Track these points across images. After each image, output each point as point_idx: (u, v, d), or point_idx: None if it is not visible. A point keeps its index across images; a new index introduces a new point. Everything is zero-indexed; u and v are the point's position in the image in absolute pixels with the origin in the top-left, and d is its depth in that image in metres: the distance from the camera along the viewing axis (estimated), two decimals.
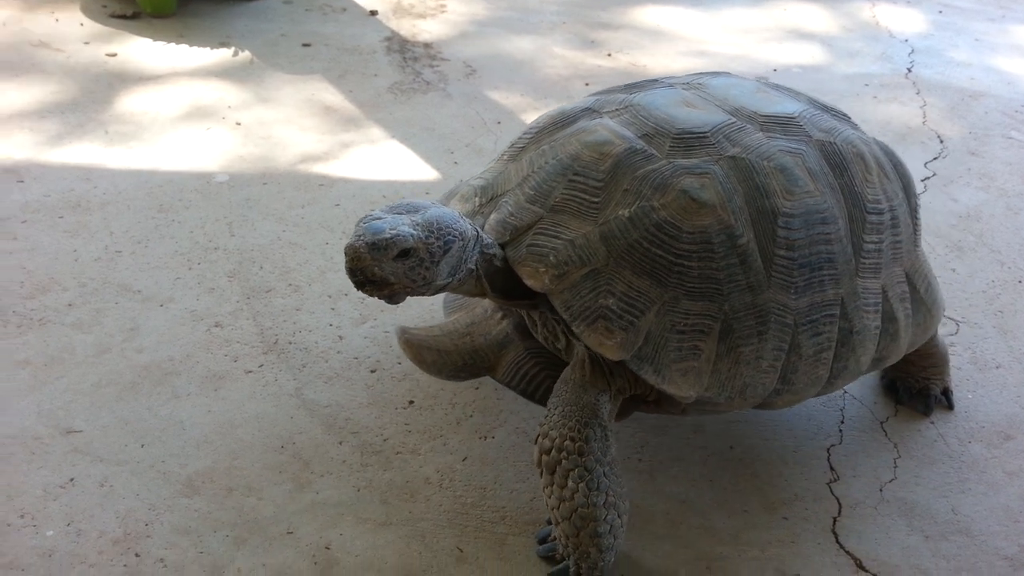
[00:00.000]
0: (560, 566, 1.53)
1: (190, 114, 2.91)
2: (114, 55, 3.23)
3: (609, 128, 1.57)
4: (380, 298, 1.38)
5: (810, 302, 1.53)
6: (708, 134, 1.54)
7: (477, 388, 1.94)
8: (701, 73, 1.83)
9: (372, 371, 1.96)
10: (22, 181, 2.51)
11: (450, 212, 1.42)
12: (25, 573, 1.50)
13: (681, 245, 1.46)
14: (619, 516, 1.49)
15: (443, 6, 3.94)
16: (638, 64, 3.52)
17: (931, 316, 1.73)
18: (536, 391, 1.68)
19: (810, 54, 3.70)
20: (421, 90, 3.20)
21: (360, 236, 1.33)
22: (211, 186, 2.54)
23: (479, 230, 1.48)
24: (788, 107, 1.66)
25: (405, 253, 1.33)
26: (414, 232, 1.34)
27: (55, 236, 2.29)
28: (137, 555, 1.55)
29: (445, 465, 1.77)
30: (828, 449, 1.85)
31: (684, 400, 1.50)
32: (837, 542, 1.66)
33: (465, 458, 1.79)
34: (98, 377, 1.88)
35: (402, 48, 3.52)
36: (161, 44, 3.33)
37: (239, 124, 2.88)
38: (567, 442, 1.45)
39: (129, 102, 2.94)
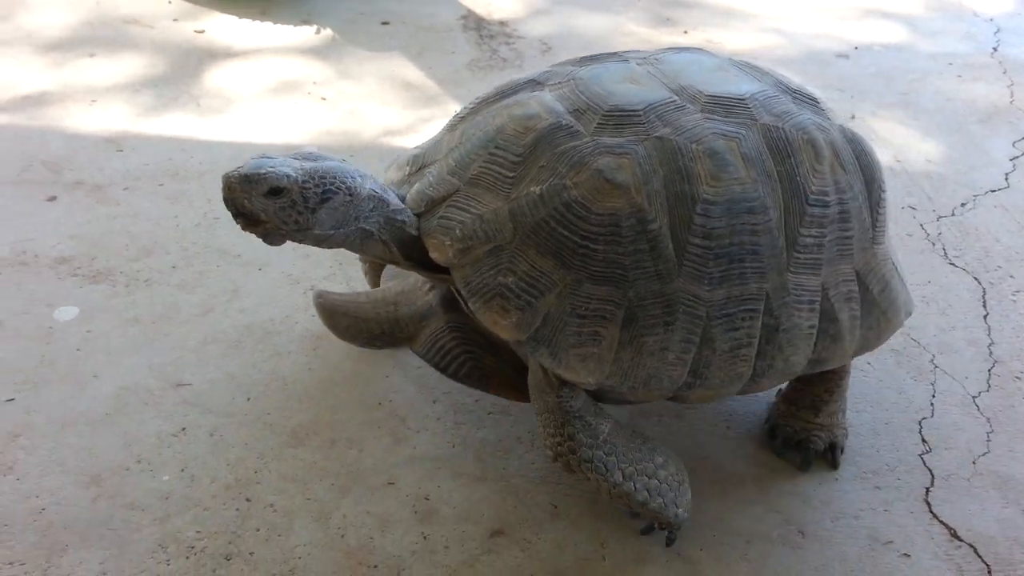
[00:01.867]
0: (644, 525, 1.59)
1: (277, 89, 3.00)
2: (202, 32, 3.33)
3: (540, 102, 1.51)
4: (256, 235, 1.38)
5: (727, 295, 1.43)
6: (640, 112, 1.46)
7: None
8: (670, 48, 1.74)
9: None
10: (121, 151, 2.61)
11: (347, 168, 1.41)
12: (145, 513, 1.59)
13: (589, 227, 1.39)
14: (649, 477, 1.48)
15: None
16: (714, 41, 3.50)
17: (887, 321, 1.60)
18: (450, 365, 1.65)
19: (892, 33, 3.63)
20: (498, 67, 3.24)
21: (239, 168, 1.34)
22: None
23: (388, 196, 1.45)
24: (742, 88, 1.54)
25: (276, 192, 1.33)
26: (291, 174, 1.34)
27: (156, 202, 2.39)
28: (248, 500, 1.62)
29: (535, 427, 1.80)
30: (920, 422, 1.84)
31: (585, 387, 1.45)
32: (931, 512, 1.66)
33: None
34: (203, 335, 1.97)
35: (478, 26, 3.56)
36: (246, 22, 3.42)
37: (324, 99, 2.95)
38: (560, 448, 1.47)
39: (218, 77, 3.04)
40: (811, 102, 1.61)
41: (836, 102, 3.05)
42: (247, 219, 1.36)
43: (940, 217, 2.49)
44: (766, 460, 1.75)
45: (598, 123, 1.46)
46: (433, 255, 1.47)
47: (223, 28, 3.37)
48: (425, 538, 1.58)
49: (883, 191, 1.62)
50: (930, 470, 1.74)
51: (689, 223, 1.41)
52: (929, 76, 3.27)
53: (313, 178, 1.36)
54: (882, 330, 1.61)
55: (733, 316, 1.44)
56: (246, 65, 3.13)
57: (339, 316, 1.75)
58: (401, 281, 1.79)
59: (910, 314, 1.68)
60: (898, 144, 2.84)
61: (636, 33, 3.56)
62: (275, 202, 1.34)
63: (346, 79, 3.09)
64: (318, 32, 3.40)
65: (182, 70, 3.06)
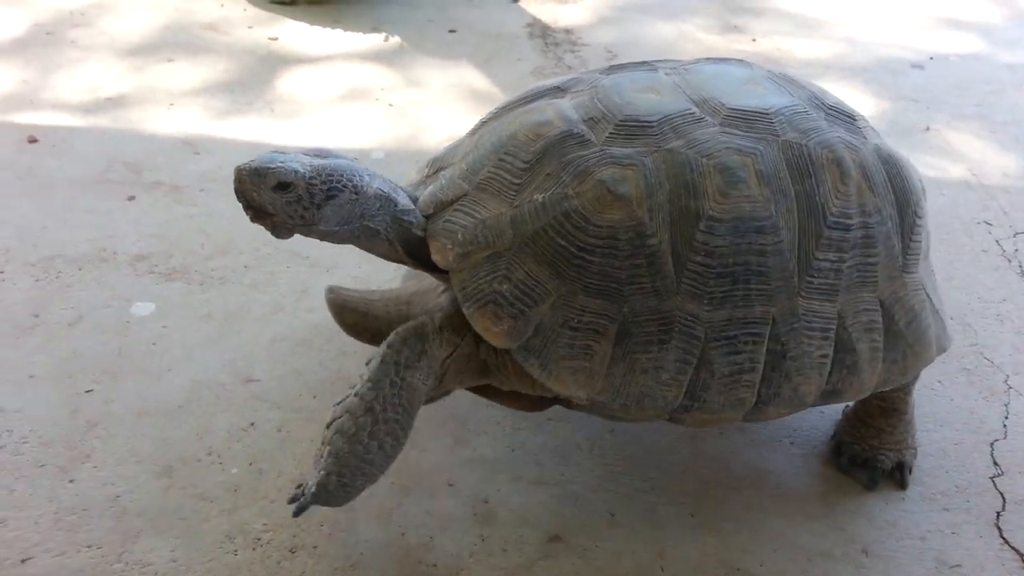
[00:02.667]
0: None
1: (346, 95, 3.07)
2: (275, 39, 3.43)
3: (556, 109, 1.49)
4: (264, 227, 1.40)
5: (728, 316, 1.38)
6: (655, 123, 1.42)
7: None
8: (707, 59, 1.68)
9: None
10: (198, 153, 2.71)
11: (355, 167, 1.42)
12: (214, 504, 1.64)
13: (587, 238, 1.37)
14: (370, 438, 1.39)
15: None
16: (783, 50, 3.45)
17: (915, 355, 1.50)
18: None
19: (968, 43, 3.53)
20: (563, 74, 3.25)
21: (251, 162, 1.37)
22: (369, 162, 2.68)
23: (397, 195, 1.45)
24: (769, 101, 1.48)
25: (284, 186, 1.35)
26: (299, 170, 1.36)
27: (231, 204, 2.41)
28: None
29: (594, 434, 1.81)
30: (991, 443, 1.79)
31: (577, 401, 1.42)
32: (1001, 536, 1.61)
33: (612, 430, 1.82)
34: (273, 333, 2.03)
35: (544, 34, 3.58)
36: (318, 29, 3.51)
37: (391, 105, 3.00)
38: (393, 336, 1.43)
39: (291, 82, 3.12)
40: (846, 119, 1.54)
41: (910, 113, 2.98)
42: (256, 211, 1.38)
43: (1017, 233, 2.41)
44: (832, 477, 1.72)
45: (610, 133, 1.43)
46: (434, 257, 1.46)
47: (296, 35, 3.46)
48: (483, 540, 1.60)
49: (919, 216, 1.52)
50: (1001, 493, 1.69)
51: (691, 240, 1.37)
52: (1007, 87, 3.17)
53: (320, 175, 1.37)
54: (908, 365, 1.50)
55: (735, 339, 1.38)
56: (317, 71, 3.21)
57: (347, 312, 1.73)
58: (417, 282, 1.79)
59: (944, 349, 1.58)
60: (974, 158, 2.76)
61: (703, 41, 3.53)
62: (282, 196, 1.36)
63: (414, 86, 3.14)
64: (387, 40, 3.47)
65: (256, 75, 3.15)
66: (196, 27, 3.50)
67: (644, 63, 1.64)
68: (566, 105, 1.50)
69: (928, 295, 1.55)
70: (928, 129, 2.88)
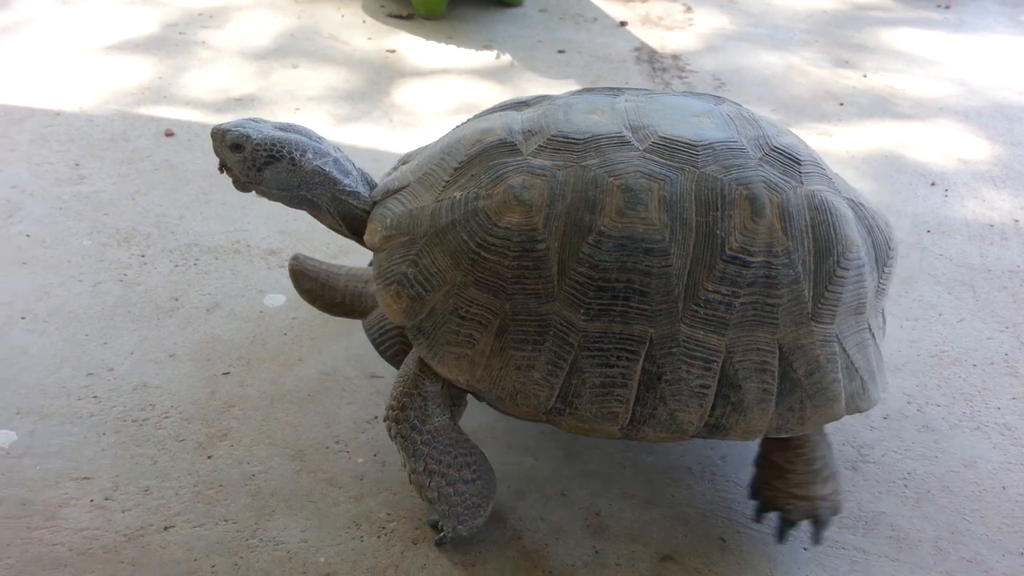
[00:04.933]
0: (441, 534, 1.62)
1: (458, 108, 3.17)
2: (393, 51, 3.56)
3: (504, 120, 1.58)
4: (230, 179, 1.61)
5: (604, 329, 1.42)
6: (581, 141, 1.49)
7: None
8: (683, 92, 1.71)
9: None
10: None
11: (303, 143, 1.58)
12: (342, 491, 1.72)
13: (486, 236, 1.45)
14: (448, 484, 1.52)
15: (691, 19, 4.02)
16: (895, 88, 3.43)
17: (814, 407, 1.46)
18: (383, 343, 1.77)
19: None
20: None
21: (225, 123, 1.58)
22: None
23: (340, 177, 1.59)
24: (705, 135, 1.50)
25: (236, 147, 1.55)
26: (251, 136, 1.55)
27: None
28: None
29: (706, 459, 1.84)
30: None
31: (457, 385, 1.49)
32: None
33: (724, 456, 1.85)
34: None
35: (651, 58, 3.63)
36: (432, 44, 3.64)
37: None
38: (392, 412, 1.53)
39: (407, 94, 3.24)
40: (788, 162, 1.52)
41: None
42: (221, 164, 1.60)
43: None
44: (945, 522, 1.71)
45: (539, 145, 1.51)
46: (365, 238, 1.60)
47: (412, 49, 3.59)
48: (596, 552, 1.64)
49: (842, 268, 1.48)
50: None
51: (578, 251, 1.42)
52: None
53: (265, 143, 1.55)
54: (807, 416, 1.46)
55: (608, 352, 1.42)
56: (431, 84, 3.32)
57: (305, 279, 1.83)
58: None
59: (859, 409, 1.51)
60: None
61: (811, 74, 3.53)
62: (235, 155, 1.56)
63: None
64: (498, 57, 3.57)
65: (375, 85, 3.28)
66: (318, 36, 3.66)
67: (611, 88, 1.69)
68: (516, 118, 1.59)
69: (845, 350, 1.50)
70: None
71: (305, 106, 3.11)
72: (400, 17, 3.86)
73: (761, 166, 1.49)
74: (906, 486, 1.80)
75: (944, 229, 2.62)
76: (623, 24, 3.95)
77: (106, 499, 1.68)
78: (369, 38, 3.66)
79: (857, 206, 1.58)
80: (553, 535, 1.66)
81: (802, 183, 1.50)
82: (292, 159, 1.56)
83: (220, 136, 1.57)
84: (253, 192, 1.63)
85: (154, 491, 1.70)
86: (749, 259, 1.42)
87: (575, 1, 4.19)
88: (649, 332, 1.42)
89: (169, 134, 2.88)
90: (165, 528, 1.63)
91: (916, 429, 1.93)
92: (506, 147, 1.52)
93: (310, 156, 1.58)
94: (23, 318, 2.10)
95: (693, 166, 1.46)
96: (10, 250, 2.32)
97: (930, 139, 3.08)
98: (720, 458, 1.84)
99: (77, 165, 2.70)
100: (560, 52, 3.65)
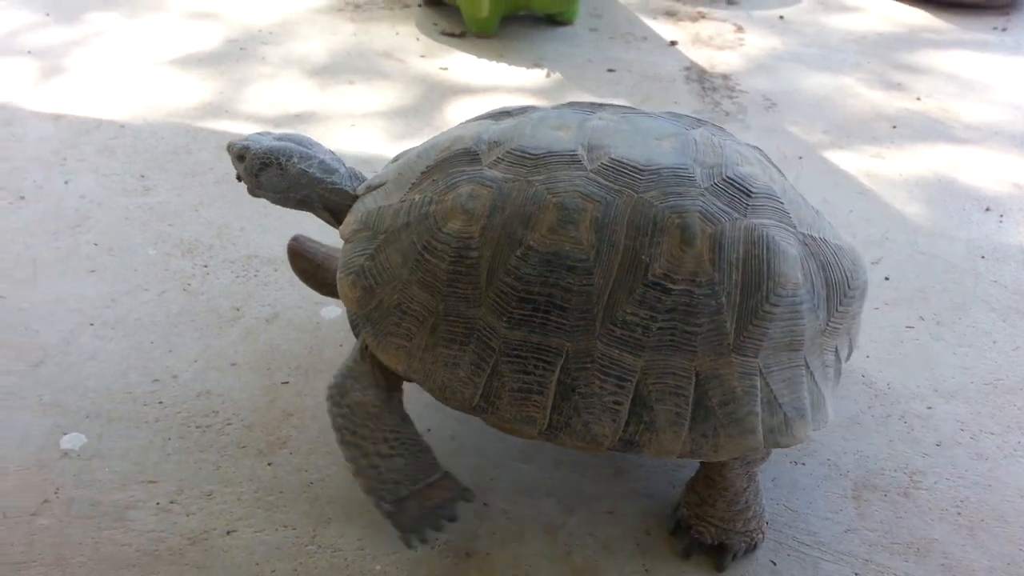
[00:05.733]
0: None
1: None
2: (445, 69, 3.63)
3: (476, 130, 1.64)
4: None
5: (523, 338, 1.48)
6: (533, 157, 1.54)
7: None
8: (665, 112, 1.71)
9: None
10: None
11: (292, 150, 1.75)
12: None
13: (431, 240, 1.53)
14: (364, 457, 1.62)
15: (741, 39, 4.03)
16: (949, 111, 3.40)
17: (728, 436, 1.46)
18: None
19: None
20: (720, 120, 3.30)
21: (236, 139, 1.79)
22: None
23: (324, 176, 1.76)
24: (655, 160, 1.51)
25: (240, 157, 1.77)
26: (251, 147, 1.75)
27: None
28: (485, 504, 1.77)
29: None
30: None
31: (398, 374, 1.57)
32: None
33: (774, 479, 1.85)
34: None
35: (701, 78, 3.65)
36: (484, 61, 3.70)
37: None
38: (333, 381, 1.65)
39: (459, 110, 3.30)
40: (738, 193, 1.51)
41: None
42: (237, 175, 1.81)
43: None
44: (1001, 552, 1.70)
45: (498, 157, 1.56)
46: (339, 229, 1.72)
47: (464, 66, 3.65)
48: (646, 570, 1.66)
49: (771, 304, 1.47)
50: None
51: (506, 262, 1.48)
52: None
53: (259, 152, 1.75)
54: (720, 444, 1.47)
55: (526, 360, 1.48)
56: (483, 101, 3.38)
57: (299, 259, 1.92)
58: None
59: (779, 445, 1.49)
60: None
61: (863, 96, 3.52)
62: (241, 164, 1.77)
63: None
64: (548, 75, 3.61)
65: (428, 102, 3.35)
66: (372, 53, 3.75)
67: (594, 104, 1.73)
68: (491, 128, 1.64)
69: (768, 384, 1.49)
70: None
71: (360, 122, 3.18)
72: (453, 35, 3.93)
73: (703, 195, 1.49)
74: (959, 514, 1.78)
75: (999, 255, 2.59)
76: (673, 43, 3.97)
77: (171, 502, 1.74)
78: (422, 56, 3.73)
79: (819, 242, 1.57)
80: (603, 551, 1.69)
81: (745, 216, 1.49)
82: (279, 164, 1.75)
83: (230, 148, 1.79)
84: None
85: (217, 496, 1.76)
86: (671, 286, 1.45)
87: (625, 20, 4.23)
88: (566, 346, 1.47)
89: None
90: (228, 532, 1.69)
91: (969, 457, 1.92)
92: (469, 156, 1.59)
93: (295, 160, 1.76)
94: (91, 324, 2.19)
95: (633, 190, 1.49)
96: (79, 258, 2.42)
97: (984, 163, 3.05)
98: (771, 480, 1.85)
99: (142, 177, 2.80)
100: (610, 71, 3.68)
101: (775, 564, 1.68)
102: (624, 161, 1.52)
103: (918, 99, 3.48)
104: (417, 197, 1.59)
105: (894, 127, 3.26)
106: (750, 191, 1.52)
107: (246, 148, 1.76)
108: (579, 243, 1.46)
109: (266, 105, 3.27)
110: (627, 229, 1.46)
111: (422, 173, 1.62)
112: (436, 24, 4.04)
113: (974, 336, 2.28)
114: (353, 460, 1.63)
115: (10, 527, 1.68)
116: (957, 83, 3.65)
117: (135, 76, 3.45)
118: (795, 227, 1.55)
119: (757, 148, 1.71)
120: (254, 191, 1.80)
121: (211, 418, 1.93)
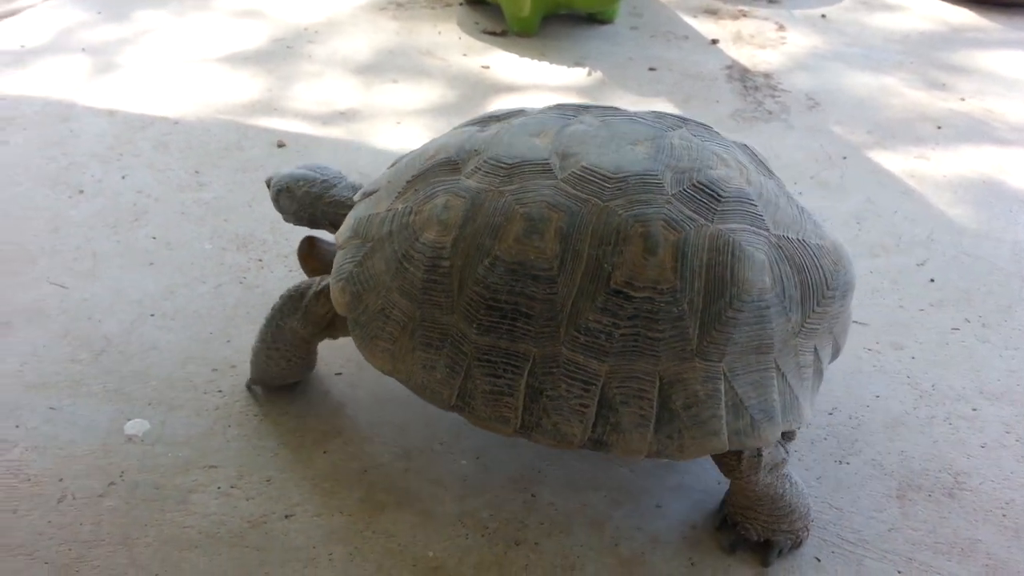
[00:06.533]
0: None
1: None
2: (487, 67, 3.67)
3: (460, 139, 1.68)
4: None
5: (492, 343, 1.53)
6: (508, 166, 1.57)
7: (831, 413, 2.02)
8: (651, 112, 1.71)
9: None
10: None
11: (298, 175, 1.99)
12: (447, 490, 1.82)
13: (409, 249, 1.60)
14: (263, 351, 1.93)
15: (783, 38, 4.02)
16: (994, 112, 3.38)
17: (692, 438, 1.49)
18: None
19: None
20: (763, 119, 3.31)
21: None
22: None
23: (328, 193, 1.96)
24: (624, 167, 1.52)
25: (267, 186, 2.04)
26: (273, 178, 2.03)
27: None
28: (532, 495, 1.81)
29: (801, 479, 1.87)
30: None
31: (383, 372, 1.65)
32: None
33: (819, 477, 1.88)
34: None
35: (743, 77, 3.65)
36: (526, 60, 3.74)
37: None
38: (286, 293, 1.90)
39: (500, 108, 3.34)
40: (705, 200, 1.51)
41: None
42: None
43: None
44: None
45: (475, 167, 1.61)
46: (334, 237, 1.82)
47: (505, 65, 3.69)
48: (693, 564, 1.69)
49: (735, 309, 1.48)
50: None
51: (474, 271, 1.53)
52: None
53: (276, 181, 2.01)
54: (685, 445, 1.50)
55: (496, 364, 1.53)
56: (524, 100, 3.42)
57: (312, 260, 2.03)
58: None
59: (746, 447, 1.53)
60: None
61: (906, 95, 3.50)
62: (271, 192, 2.02)
63: None
64: (589, 74, 3.64)
65: (470, 100, 3.40)
66: (416, 52, 3.80)
67: (578, 107, 1.72)
68: (475, 137, 1.68)
69: (733, 387, 1.50)
70: None
71: (405, 120, 3.24)
72: (494, 34, 3.97)
73: (670, 203, 1.50)
74: (1004, 515, 1.79)
75: None
76: (715, 42, 3.98)
77: (232, 487, 1.81)
78: (464, 54, 3.78)
79: (795, 243, 1.56)
80: (650, 545, 1.72)
81: (712, 222, 1.50)
82: (289, 189, 1.99)
83: (267, 181, 2.06)
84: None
85: (276, 481, 1.82)
86: (632, 294, 1.47)
87: (666, 19, 4.24)
88: (532, 351, 1.52)
89: (281, 145, 3.04)
90: (286, 516, 1.75)
91: (1015, 459, 1.92)
92: (450, 166, 1.64)
93: (300, 183, 1.98)
94: (152, 315, 2.26)
95: (599, 199, 1.51)
96: (138, 251, 2.50)
97: None
98: (815, 479, 1.87)
99: (197, 172, 2.88)
100: (651, 70, 3.70)
101: (819, 560, 1.70)
102: (594, 169, 1.53)
103: (962, 99, 3.46)
104: (400, 207, 1.66)
105: (939, 128, 3.24)
106: (720, 196, 1.53)
107: (270, 179, 2.03)
108: (543, 253, 1.50)
109: (313, 103, 3.34)
110: (591, 238, 1.49)
111: (407, 182, 1.68)
112: (477, 23, 4.09)
113: (1020, 339, 2.27)
114: (255, 351, 1.94)
115: (80, 508, 1.76)
116: (1002, 83, 3.62)
117: (185, 73, 3.54)
118: (767, 230, 1.54)
119: (745, 146, 1.73)
120: (282, 216, 2.03)
121: (268, 407, 2.00)
